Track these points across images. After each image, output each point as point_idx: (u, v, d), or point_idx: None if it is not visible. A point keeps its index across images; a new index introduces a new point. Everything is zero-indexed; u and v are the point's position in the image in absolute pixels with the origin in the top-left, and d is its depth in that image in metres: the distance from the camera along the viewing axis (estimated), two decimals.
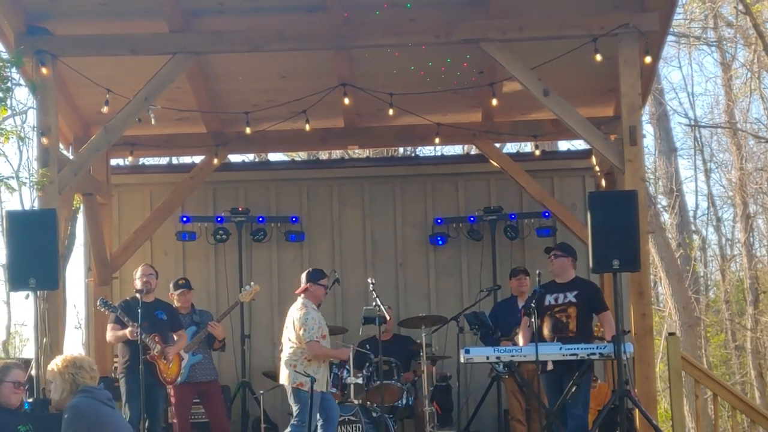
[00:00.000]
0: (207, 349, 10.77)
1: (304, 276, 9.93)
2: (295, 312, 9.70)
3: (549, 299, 9.57)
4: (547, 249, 10.14)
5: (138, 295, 9.81)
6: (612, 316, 9.52)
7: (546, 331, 9.49)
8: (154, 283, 10.25)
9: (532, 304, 9.33)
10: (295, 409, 9.51)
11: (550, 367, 9.37)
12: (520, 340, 9.75)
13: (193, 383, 10.54)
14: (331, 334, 11.37)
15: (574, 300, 9.57)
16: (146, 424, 9.56)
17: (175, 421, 10.61)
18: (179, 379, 10.35)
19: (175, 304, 10.78)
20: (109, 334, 10.05)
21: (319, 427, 9.56)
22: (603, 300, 9.88)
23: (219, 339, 10.87)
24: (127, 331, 9.78)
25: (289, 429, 9.51)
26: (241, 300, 11.14)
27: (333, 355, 10.00)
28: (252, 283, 11.24)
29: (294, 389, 9.48)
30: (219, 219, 12.87)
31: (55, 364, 6.49)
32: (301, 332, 9.51)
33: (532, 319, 9.30)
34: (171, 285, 11.00)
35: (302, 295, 9.81)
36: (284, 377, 9.62)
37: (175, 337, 10.28)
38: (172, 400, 10.52)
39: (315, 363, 9.52)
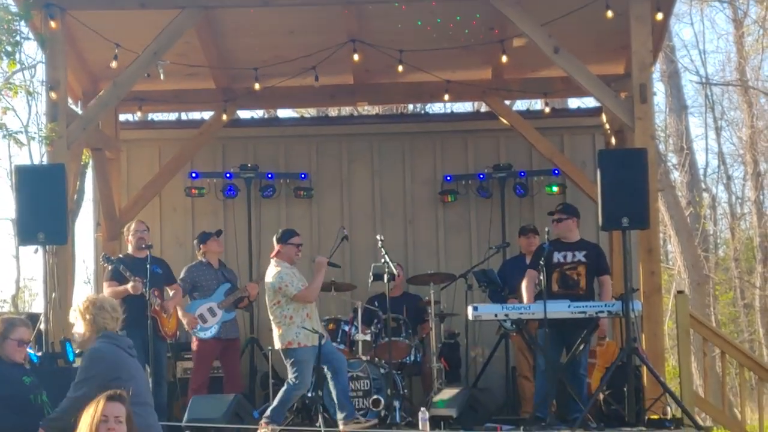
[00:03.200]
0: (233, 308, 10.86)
1: (274, 238, 9.91)
2: (268, 278, 9.69)
3: (558, 256, 9.61)
4: (550, 213, 10.17)
5: (130, 251, 10.16)
6: (612, 280, 9.70)
7: (556, 287, 9.53)
8: (147, 238, 10.28)
9: (541, 261, 9.35)
10: (291, 369, 9.50)
11: None
12: (524, 295, 9.77)
13: (221, 339, 10.61)
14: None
15: (583, 260, 9.66)
16: (151, 379, 9.60)
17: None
18: (208, 333, 10.45)
19: (215, 251, 10.86)
20: (107, 291, 9.93)
21: (329, 379, 9.58)
22: (607, 263, 10.04)
23: (252, 299, 10.99)
24: (129, 286, 9.79)
25: (284, 387, 9.49)
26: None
27: (319, 281, 9.80)
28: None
29: (284, 350, 9.52)
30: (228, 175, 12.84)
31: (77, 304, 6.58)
32: (285, 291, 9.51)
33: (541, 277, 9.33)
34: (198, 238, 11.00)
35: (274, 258, 9.80)
36: (276, 339, 9.67)
37: (170, 291, 10.30)
38: (194, 354, 10.61)
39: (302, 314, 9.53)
